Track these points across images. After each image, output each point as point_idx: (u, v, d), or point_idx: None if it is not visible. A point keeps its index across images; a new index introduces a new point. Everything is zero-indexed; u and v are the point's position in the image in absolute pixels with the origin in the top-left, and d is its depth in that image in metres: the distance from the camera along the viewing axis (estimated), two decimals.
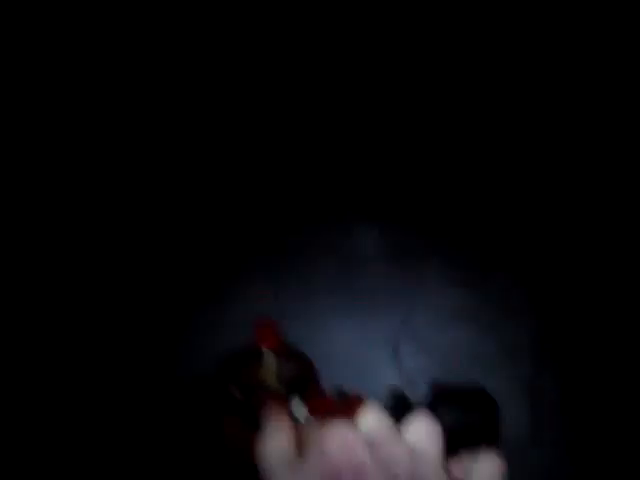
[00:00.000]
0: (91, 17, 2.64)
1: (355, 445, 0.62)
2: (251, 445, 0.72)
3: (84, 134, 2.44)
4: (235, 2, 2.76)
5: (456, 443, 0.73)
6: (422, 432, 0.66)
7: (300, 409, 0.78)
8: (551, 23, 2.66)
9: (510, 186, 2.34)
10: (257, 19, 2.68)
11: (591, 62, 2.55)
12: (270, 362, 0.89)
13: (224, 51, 2.64)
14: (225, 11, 2.72)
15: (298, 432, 0.78)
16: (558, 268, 2.19)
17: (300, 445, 0.70)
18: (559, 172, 2.39)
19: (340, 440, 0.63)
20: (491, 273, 2.18)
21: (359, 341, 1.99)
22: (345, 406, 0.80)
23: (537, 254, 2.22)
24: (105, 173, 2.34)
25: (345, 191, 2.31)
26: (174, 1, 2.71)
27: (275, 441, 0.69)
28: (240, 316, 1.95)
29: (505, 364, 2.03)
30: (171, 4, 2.69)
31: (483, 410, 0.72)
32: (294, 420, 0.78)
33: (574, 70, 2.54)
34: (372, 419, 0.69)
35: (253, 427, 0.75)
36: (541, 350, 2.07)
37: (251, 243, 2.17)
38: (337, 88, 2.56)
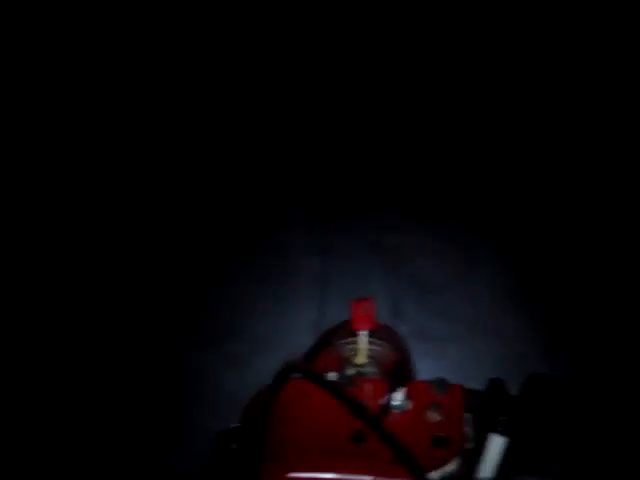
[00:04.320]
0: (92, 17, 2.62)
1: None
2: None
3: (83, 133, 2.42)
4: (236, 2, 2.72)
5: None
6: None
7: (397, 394, 0.77)
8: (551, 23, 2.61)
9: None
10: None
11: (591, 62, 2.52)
12: (363, 343, 0.87)
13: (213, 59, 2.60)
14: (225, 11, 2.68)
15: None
16: None
17: None
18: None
19: None
20: None
21: None
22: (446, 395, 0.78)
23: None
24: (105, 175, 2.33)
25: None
26: (175, 1, 2.68)
27: None
28: None
29: None
30: (172, 4, 2.66)
31: None
32: (390, 405, 0.77)
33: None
34: None
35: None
36: None
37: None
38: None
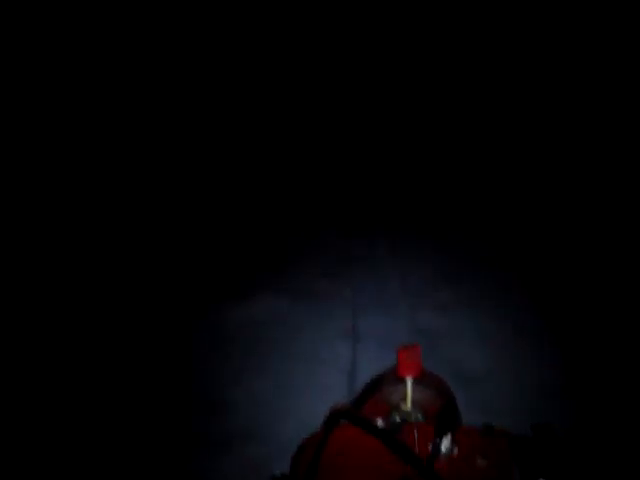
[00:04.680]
0: (92, 17, 2.67)
1: None
2: None
3: (86, 134, 2.45)
4: (236, 2, 2.76)
5: None
6: None
7: (444, 440, 0.78)
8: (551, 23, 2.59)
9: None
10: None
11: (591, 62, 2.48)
12: (409, 390, 0.89)
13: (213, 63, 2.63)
14: (226, 11, 2.72)
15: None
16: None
17: None
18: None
19: None
20: None
21: None
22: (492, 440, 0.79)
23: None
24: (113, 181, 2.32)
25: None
26: (175, 2, 2.72)
27: None
28: None
29: None
30: (172, 4, 2.70)
31: None
32: (437, 451, 0.78)
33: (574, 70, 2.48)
34: None
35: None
36: None
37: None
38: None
